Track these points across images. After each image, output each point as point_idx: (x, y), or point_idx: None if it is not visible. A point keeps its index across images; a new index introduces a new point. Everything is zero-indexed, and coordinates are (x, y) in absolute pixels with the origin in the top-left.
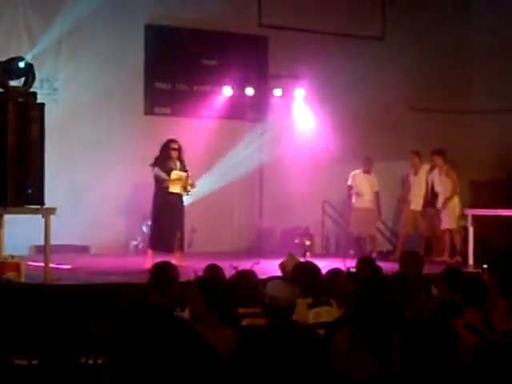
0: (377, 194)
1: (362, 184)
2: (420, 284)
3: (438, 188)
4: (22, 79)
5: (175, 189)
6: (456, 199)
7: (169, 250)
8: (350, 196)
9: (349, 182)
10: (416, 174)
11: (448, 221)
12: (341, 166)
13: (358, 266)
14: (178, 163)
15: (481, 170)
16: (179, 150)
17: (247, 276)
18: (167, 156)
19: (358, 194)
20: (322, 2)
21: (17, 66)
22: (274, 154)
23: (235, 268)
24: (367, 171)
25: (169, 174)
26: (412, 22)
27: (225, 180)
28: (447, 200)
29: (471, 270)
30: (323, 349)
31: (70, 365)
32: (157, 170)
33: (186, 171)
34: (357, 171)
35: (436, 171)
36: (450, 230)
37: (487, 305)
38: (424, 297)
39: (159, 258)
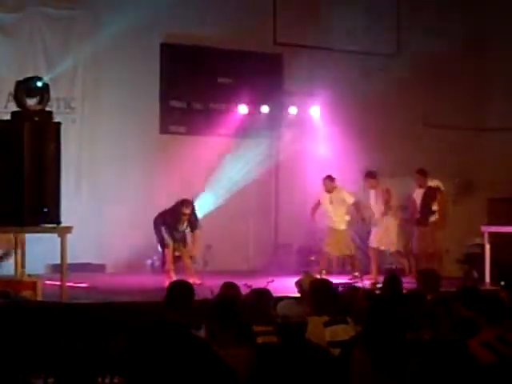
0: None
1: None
2: (438, 303)
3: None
4: (37, 98)
5: (179, 252)
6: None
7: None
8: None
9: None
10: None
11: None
12: (355, 183)
13: (383, 283)
14: (185, 224)
15: (497, 187)
16: (190, 213)
17: (262, 294)
18: (177, 219)
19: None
20: (337, 20)
21: (35, 85)
22: (289, 171)
23: (249, 287)
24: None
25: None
26: (426, 39)
27: (240, 198)
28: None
29: (488, 287)
30: (337, 367)
31: None
32: (164, 229)
33: (194, 229)
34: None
35: (421, 191)
36: None
37: (505, 322)
38: (442, 316)
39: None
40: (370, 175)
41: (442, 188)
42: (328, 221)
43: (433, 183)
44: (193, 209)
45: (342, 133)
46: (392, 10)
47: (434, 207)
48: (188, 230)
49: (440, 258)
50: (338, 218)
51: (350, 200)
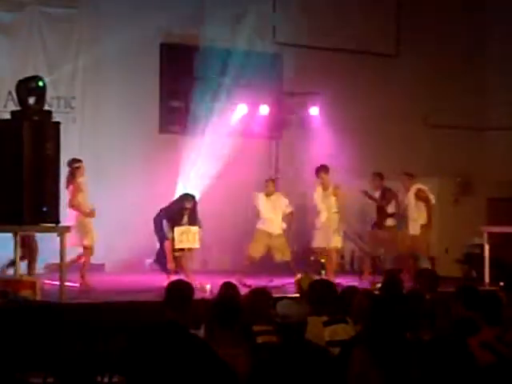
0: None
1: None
2: (437, 302)
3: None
4: (34, 97)
5: (182, 245)
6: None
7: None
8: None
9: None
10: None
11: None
12: (355, 183)
13: (382, 283)
14: (185, 218)
15: (497, 187)
16: (192, 208)
17: (261, 294)
18: (178, 214)
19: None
20: (336, 20)
21: (36, 84)
22: (288, 171)
23: (248, 287)
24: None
25: (173, 228)
26: (425, 39)
27: (240, 198)
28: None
29: (487, 287)
30: (337, 367)
31: (85, 383)
32: (165, 223)
33: (195, 225)
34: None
35: (377, 193)
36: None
37: (504, 322)
38: (441, 316)
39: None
40: (324, 170)
41: (426, 191)
42: (261, 223)
43: (416, 186)
44: (194, 204)
45: (341, 133)
46: (393, 11)
47: (390, 210)
48: (187, 225)
49: (407, 259)
50: (276, 220)
51: (288, 209)
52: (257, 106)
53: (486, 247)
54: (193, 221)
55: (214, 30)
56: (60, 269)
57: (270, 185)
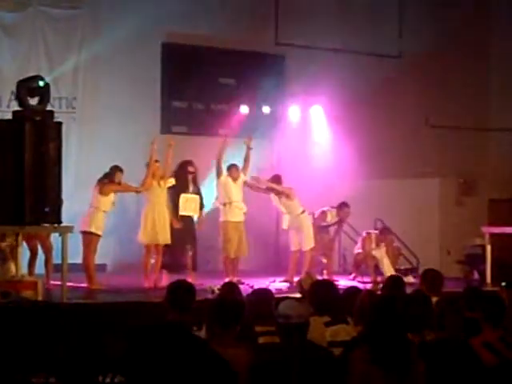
0: None
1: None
2: (444, 304)
3: None
4: (37, 98)
5: (186, 212)
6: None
7: (179, 269)
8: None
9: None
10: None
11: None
12: (358, 183)
13: (384, 284)
14: (190, 186)
15: (499, 188)
16: (195, 172)
17: (263, 294)
18: (183, 179)
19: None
20: (338, 21)
21: (37, 84)
22: (290, 171)
23: (251, 287)
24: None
25: (178, 196)
26: (428, 40)
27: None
28: None
29: (489, 288)
30: (339, 369)
31: (87, 383)
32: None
33: (198, 193)
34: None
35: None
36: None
37: (506, 323)
38: (448, 317)
39: (175, 277)
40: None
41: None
42: (236, 213)
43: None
44: (195, 169)
45: (343, 133)
46: (395, 12)
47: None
48: (193, 195)
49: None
50: (242, 207)
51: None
52: (259, 107)
53: (488, 248)
54: (196, 188)
55: (216, 30)
56: (61, 269)
57: (234, 169)
